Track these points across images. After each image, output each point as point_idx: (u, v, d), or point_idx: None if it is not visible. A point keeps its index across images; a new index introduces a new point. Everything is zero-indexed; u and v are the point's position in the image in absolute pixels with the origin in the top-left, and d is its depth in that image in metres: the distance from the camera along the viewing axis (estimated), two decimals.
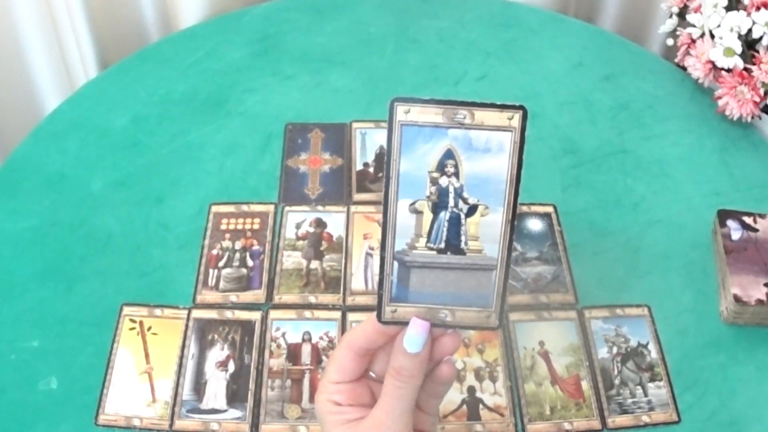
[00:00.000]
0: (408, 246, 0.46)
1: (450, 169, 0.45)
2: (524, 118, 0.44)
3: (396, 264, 0.46)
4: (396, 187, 0.45)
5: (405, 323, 0.46)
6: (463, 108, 0.44)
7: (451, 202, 0.45)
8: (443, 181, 0.45)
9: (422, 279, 0.46)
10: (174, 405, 0.64)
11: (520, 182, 0.45)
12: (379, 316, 0.46)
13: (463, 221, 0.45)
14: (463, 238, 0.46)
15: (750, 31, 0.82)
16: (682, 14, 0.92)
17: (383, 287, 0.46)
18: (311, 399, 0.64)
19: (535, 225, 0.77)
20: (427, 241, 0.46)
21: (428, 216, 0.45)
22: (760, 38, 0.82)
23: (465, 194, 0.45)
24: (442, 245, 0.46)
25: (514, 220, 0.45)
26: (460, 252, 0.46)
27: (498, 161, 0.44)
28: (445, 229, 0.46)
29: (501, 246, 0.46)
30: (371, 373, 0.50)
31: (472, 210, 0.45)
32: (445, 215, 0.45)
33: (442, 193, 0.45)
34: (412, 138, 0.44)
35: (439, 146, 0.44)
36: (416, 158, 0.44)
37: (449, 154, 0.44)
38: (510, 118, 0.44)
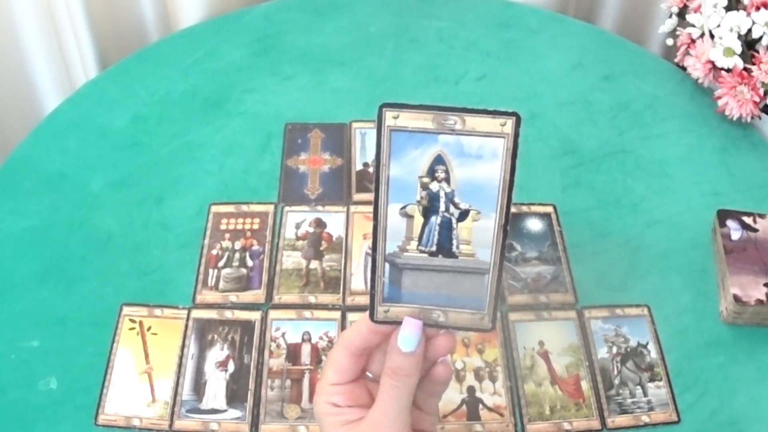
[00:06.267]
0: (399, 248, 0.46)
1: (441, 175, 0.44)
2: (517, 124, 0.43)
3: (387, 266, 0.46)
4: (386, 191, 0.45)
5: (398, 323, 0.46)
6: (454, 114, 0.43)
7: (442, 207, 0.45)
8: (434, 186, 0.45)
9: (414, 280, 0.46)
10: (174, 405, 0.64)
11: (513, 188, 0.44)
12: (371, 316, 0.47)
13: (454, 225, 0.45)
14: (454, 242, 0.46)
15: (750, 31, 0.82)
16: (681, 14, 0.92)
17: (375, 288, 0.46)
18: (311, 399, 0.64)
19: (534, 225, 0.77)
20: (419, 244, 0.46)
21: (419, 220, 0.46)
22: (760, 38, 0.82)
23: (456, 199, 0.45)
24: (434, 248, 0.46)
25: (507, 225, 0.45)
26: (452, 255, 0.46)
27: (490, 167, 0.44)
28: (436, 233, 0.46)
29: (494, 250, 0.46)
30: (368, 374, 0.50)
31: (463, 215, 0.45)
32: (436, 219, 0.45)
33: (433, 197, 0.45)
34: (401, 143, 0.44)
35: (430, 152, 0.44)
36: (406, 163, 0.44)
37: (440, 160, 0.44)
38: (503, 125, 0.43)
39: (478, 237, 0.45)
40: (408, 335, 0.46)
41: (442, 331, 0.47)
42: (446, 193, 0.45)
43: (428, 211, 0.45)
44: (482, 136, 0.44)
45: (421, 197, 0.45)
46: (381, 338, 0.48)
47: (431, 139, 0.44)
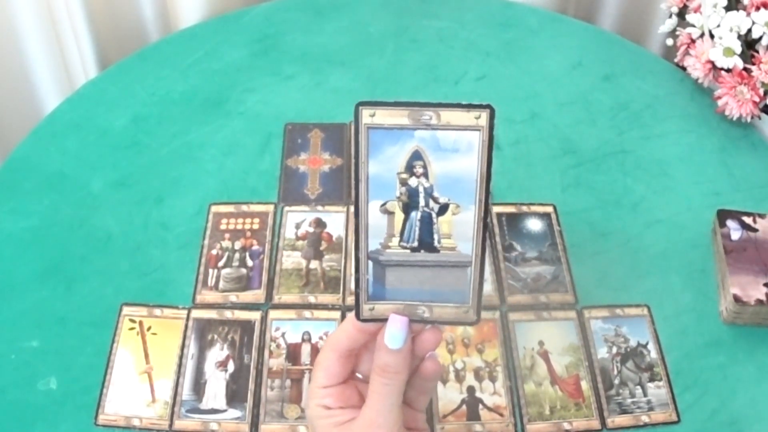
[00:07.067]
0: (381, 245, 0.46)
1: (419, 170, 0.45)
2: (491, 116, 0.44)
3: (371, 263, 0.46)
4: (366, 189, 0.45)
5: (383, 320, 0.47)
6: (429, 109, 0.44)
7: (422, 202, 0.46)
8: (413, 181, 0.45)
9: (398, 277, 0.46)
10: (174, 405, 0.64)
11: (490, 180, 0.45)
12: (357, 315, 0.47)
13: (434, 220, 0.46)
14: (436, 236, 0.46)
15: (749, 31, 0.82)
16: (681, 14, 0.92)
17: (360, 286, 0.47)
18: None
19: (534, 225, 0.77)
20: (400, 240, 0.46)
21: (400, 216, 0.46)
22: (760, 38, 0.82)
23: (435, 194, 0.45)
24: (416, 244, 0.46)
25: (487, 217, 0.46)
26: (433, 250, 0.46)
27: (467, 160, 0.45)
28: (417, 228, 0.46)
29: (475, 243, 0.46)
30: (358, 374, 0.50)
31: (443, 209, 0.46)
32: (416, 215, 0.46)
33: (412, 193, 0.45)
34: (378, 140, 0.44)
35: (407, 148, 0.45)
36: (384, 160, 0.45)
37: (417, 155, 0.45)
38: (477, 117, 0.44)
39: (458, 230, 0.46)
40: (394, 332, 0.46)
41: (428, 326, 0.48)
42: (425, 188, 0.45)
43: (408, 206, 0.46)
44: (457, 129, 0.44)
45: (401, 193, 0.45)
46: (368, 337, 0.48)
47: (408, 135, 0.44)
